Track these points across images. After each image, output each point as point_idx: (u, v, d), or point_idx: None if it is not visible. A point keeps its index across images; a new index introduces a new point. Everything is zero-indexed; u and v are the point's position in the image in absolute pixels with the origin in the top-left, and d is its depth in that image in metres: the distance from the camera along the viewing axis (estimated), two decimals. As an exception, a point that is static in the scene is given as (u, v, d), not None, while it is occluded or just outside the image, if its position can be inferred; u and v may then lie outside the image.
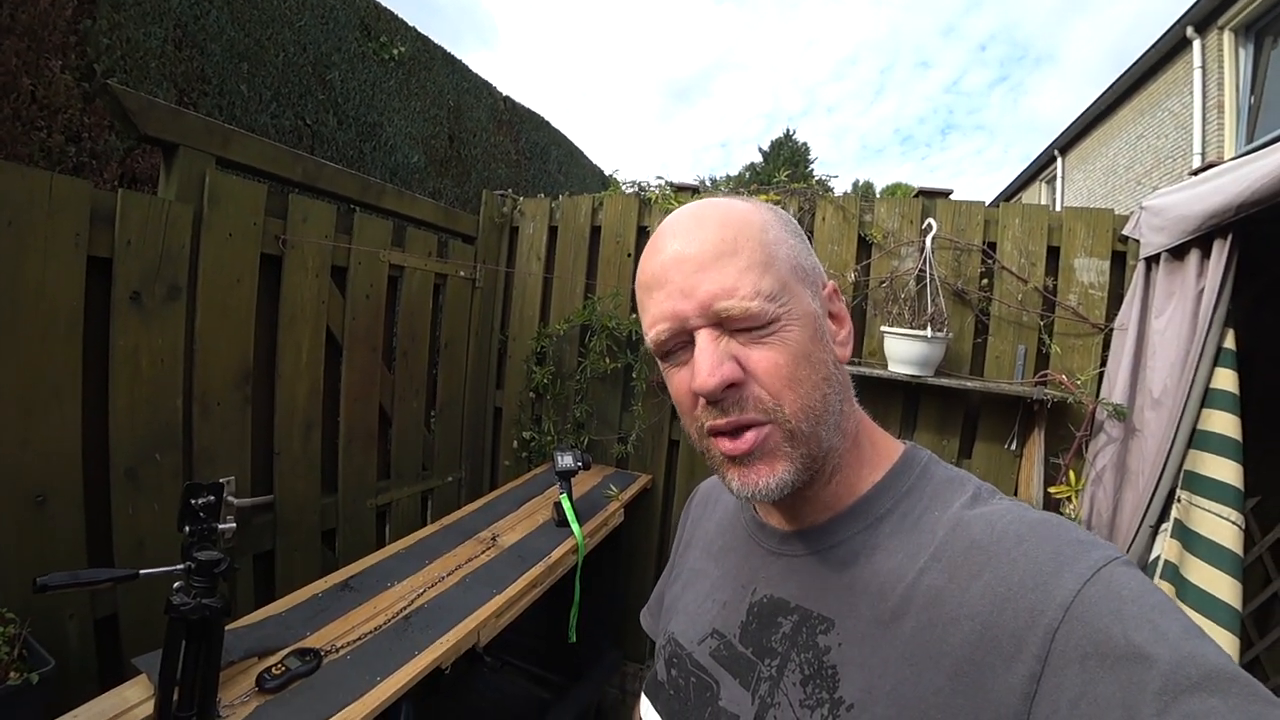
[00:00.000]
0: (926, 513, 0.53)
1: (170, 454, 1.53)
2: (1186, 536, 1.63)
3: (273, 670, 1.14)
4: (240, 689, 1.11)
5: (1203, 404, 1.66)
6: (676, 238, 0.52)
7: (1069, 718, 0.39)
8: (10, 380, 1.25)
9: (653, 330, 0.53)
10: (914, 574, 0.49)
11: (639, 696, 0.70)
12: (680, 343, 0.53)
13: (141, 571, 1.02)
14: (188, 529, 1.06)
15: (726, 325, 0.50)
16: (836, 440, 0.54)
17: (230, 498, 1.64)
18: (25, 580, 0.98)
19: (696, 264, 0.50)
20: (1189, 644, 0.38)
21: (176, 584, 1.01)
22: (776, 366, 0.49)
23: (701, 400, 0.51)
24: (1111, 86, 8.63)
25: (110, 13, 2.11)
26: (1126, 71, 8.21)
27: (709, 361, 0.49)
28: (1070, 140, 10.33)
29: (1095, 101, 9.13)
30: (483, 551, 1.72)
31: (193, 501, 1.07)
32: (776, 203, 2.28)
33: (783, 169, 2.43)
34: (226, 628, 1.21)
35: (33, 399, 1.29)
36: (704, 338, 0.50)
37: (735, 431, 0.51)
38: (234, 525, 1.17)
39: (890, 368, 2.08)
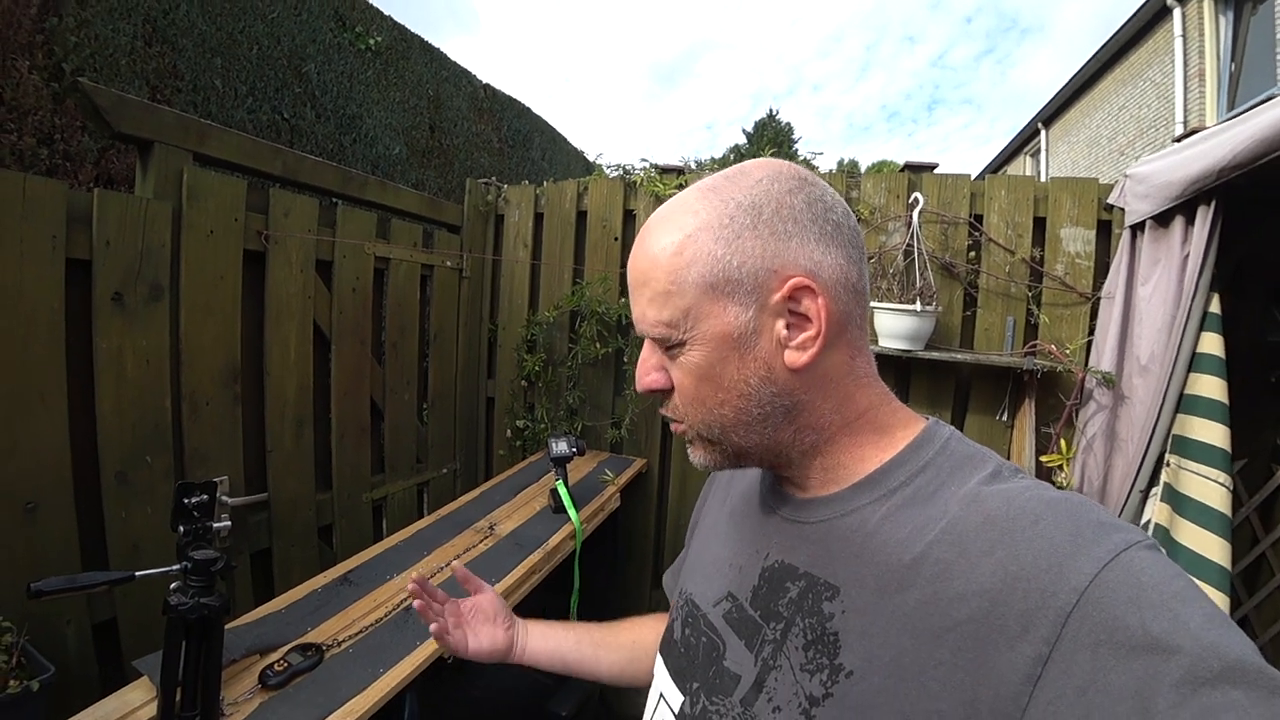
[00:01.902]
0: (943, 488, 0.52)
1: (161, 455, 1.51)
2: (1176, 500, 1.65)
3: (275, 667, 1.14)
4: (243, 686, 1.11)
5: (1189, 369, 1.68)
6: (632, 252, 0.58)
7: (1075, 705, 0.38)
8: (-7, 388, 1.23)
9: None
10: (923, 546, 0.49)
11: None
12: None
13: (138, 573, 1.01)
14: (182, 529, 1.06)
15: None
16: (785, 436, 0.56)
17: (224, 497, 1.63)
18: (20, 588, 0.97)
19: (631, 286, 0.58)
20: (1211, 634, 0.37)
21: (174, 584, 1.01)
22: (683, 386, 0.56)
23: None
24: (1093, 57, 8.66)
25: (77, 9, 2.06)
26: (1107, 42, 8.22)
27: (639, 370, 0.59)
28: (1053, 113, 10.36)
29: (1077, 73, 9.16)
30: (481, 541, 1.72)
31: (186, 500, 1.07)
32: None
33: (766, 150, 2.41)
34: (227, 626, 1.21)
35: (17, 406, 1.27)
36: (645, 347, 0.59)
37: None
38: (229, 524, 1.16)
39: (881, 343, 2.09)
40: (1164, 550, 1.57)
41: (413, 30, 3.62)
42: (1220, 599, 1.51)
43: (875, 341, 2.12)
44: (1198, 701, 0.34)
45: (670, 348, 0.55)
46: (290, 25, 2.84)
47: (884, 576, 0.50)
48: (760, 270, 0.52)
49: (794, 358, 0.53)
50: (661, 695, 0.66)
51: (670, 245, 0.54)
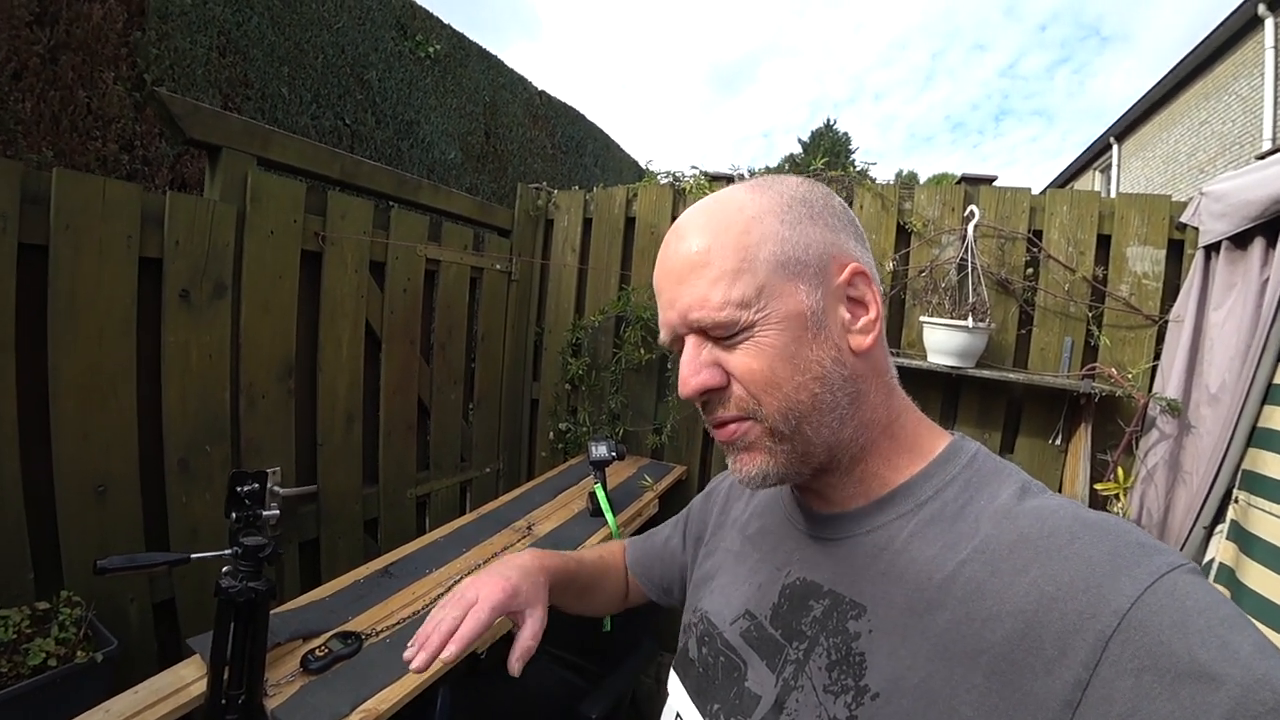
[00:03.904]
0: (971, 503, 0.51)
1: (219, 445, 1.59)
2: (1244, 539, 1.56)
3: (317, 652, 1.18)
4: (286, 669, 1.15)
5: (1264, 400, 1.59)
6: (669, 246, 0.56)
7: None
8: (72, 376, 1.32)
9: (660, 334, 0.58)
10: (954, 565, 0.47)
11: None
12: (681, 345, 0.56)
13: (192, 555, 1.07)
14: (234, 515, 1.11)
15: (706, 332, 0.53)
16: (848, 433, 0.54)
17: (276, 487, 1.70)
18: (89, 566, 1.04)
19: (677, 276, 0.54)
20: (1263, 664, 0.35)
21: (225, 568, 1.06)
22: (751, 371, 0.51)
23: None
24: (1173, 69, 8.24)
25: (158, 24, 2.19)
26: (1190, 53, 7.82)
27: (686, 370, 0.54)
28: (1128, 127, 9.89)
29: (1155, 86, 8.73)
30: (518, 540, 1.74)
31: (238, 489, 1.12)
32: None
33: (819, 159, 2.38)
34: (274, 611, 1.27)
35: (92, 394, 1.36)
36: (687, 346, 0.54)
37: (721, 423, 0.55)
38: (277, 512, 1.21)
39: (930, 359, 2.03)
40: (1231, 590, 1.46)
41: (471, 38, 3.72)
42: None
43: (924, 357, 2.06)
44: None
45: (734, 334, 0.52)
46: (354, 34, 2.96)
47: (913, 595, 0.48)
48: (823, 254, 0.53)
49: (859, 341, 0.53)
50: (679, 715, 0.65)
51: (736, 225, 0.52)
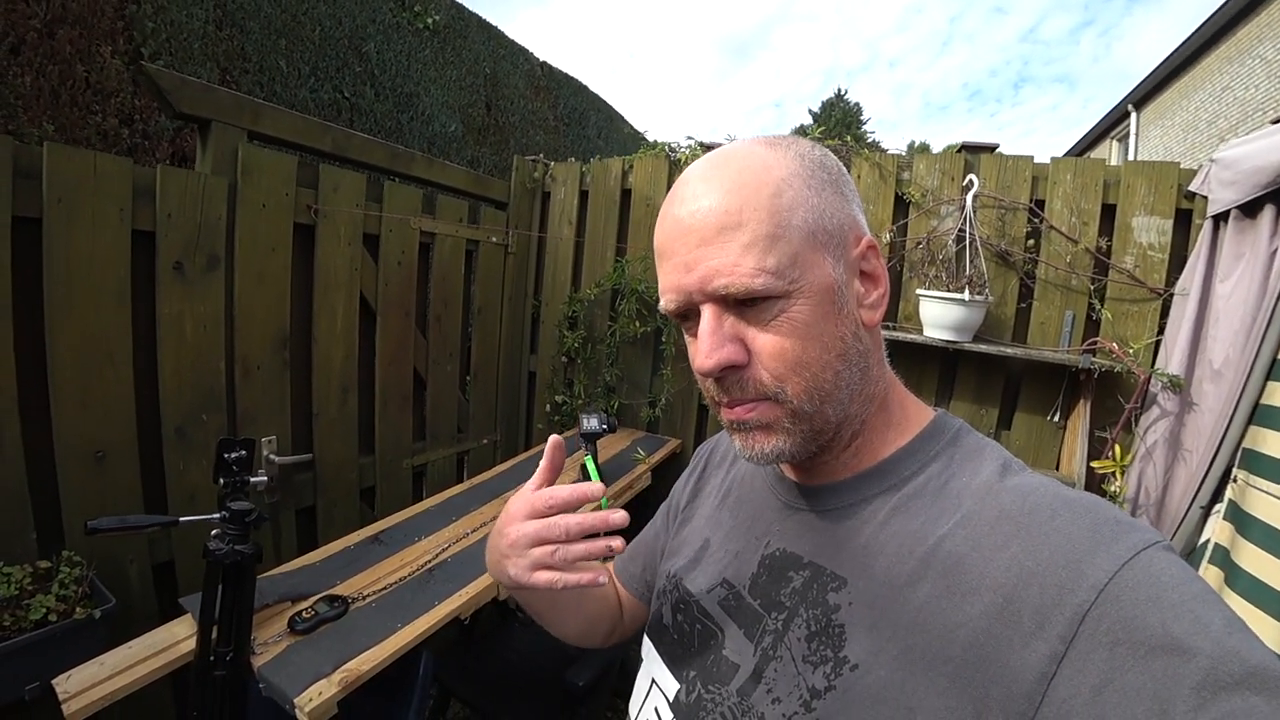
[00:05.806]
0: (954, 479, 0.51)
1: (215, 415, 1.63)
2: (1241, 519, 1.53)
3: (303, 614, 1.22)
4: (274, 630, 1.19)
5: (1268, 376, 1.55)
6: (684, 203, 0.50)
7: (1090, 704, 0.37)
8: (69, 347, 1.35)
9: (663, 299, 0.53)
10: (935, 539, 0.48)
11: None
12: (690, 311, 0.52)
13: (181, 519, 1.11)
14: (222, 481, 1.14)
15: (729, 301, 0.49)
16: (855, 409, 0.53)
17: (272, 455, 1.74)
18: (89, 528, 1.08)
19: (699, 237, 0.48)
20: (1232, 638, 0.36)
21: (214, 531, 1.10)
22: (782, 351, 0.48)
23: None
24: (1196, 32, 7.92)
25: (154, -4, 2.18)
26: (1214, 14, 7.49)
27: (708, 344, 0.49)
28: (1147, 93, 9.56)
29: (1176, 50, 8.41)
30: (509, 511, 1.77)
31: (226, 455, 1.15)
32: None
33: (816, 130, 2.34)
34: (264, 574, 1.31)
35: (89, 364, 1.39)
36: (706, 316, 0.49)
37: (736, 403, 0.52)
38: (265, 478, 1.24)
39: (926, 332, 2.00)
40: (1225, 571, 1.44)
41: (470, 9, 3.67)
42: None
43: (920, 330, 2.04)
44: (1218, 706, 0.34)
45: (763, 305, 0.48)
46: (351, 6, 2.94)
47: (894, 569, 0.49)
48: (843, 225, 0.51)
49: (869, 316, 0.53)
50: (654, 681, 0.65)
51: (767, 186, 0.48)
